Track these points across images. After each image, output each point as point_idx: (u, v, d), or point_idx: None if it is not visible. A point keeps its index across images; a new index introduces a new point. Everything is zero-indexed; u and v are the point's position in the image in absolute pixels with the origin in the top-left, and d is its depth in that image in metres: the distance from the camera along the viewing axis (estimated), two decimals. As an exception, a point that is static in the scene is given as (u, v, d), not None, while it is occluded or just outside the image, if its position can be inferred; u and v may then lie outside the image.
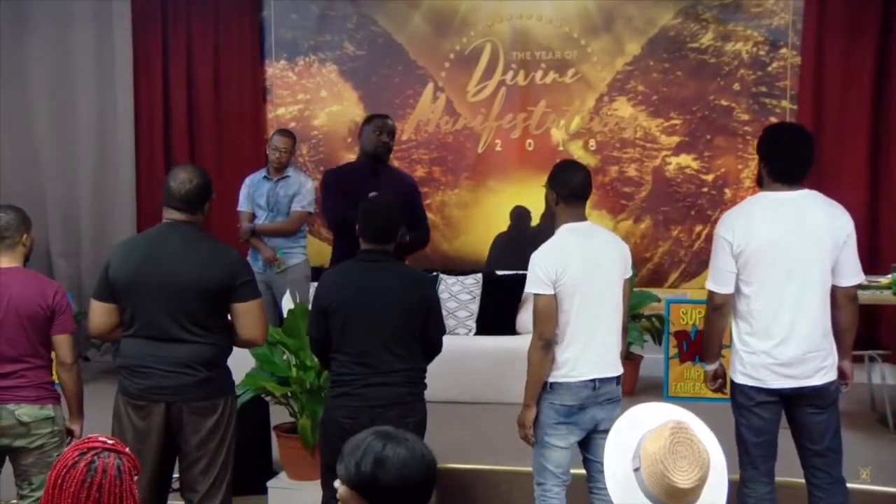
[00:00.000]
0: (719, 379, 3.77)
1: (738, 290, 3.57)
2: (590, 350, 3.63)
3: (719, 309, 3.62)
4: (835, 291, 3.55)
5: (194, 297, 3.43)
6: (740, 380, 3.59)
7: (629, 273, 3.79)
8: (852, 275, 3.57)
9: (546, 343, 3.61)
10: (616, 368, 3.71)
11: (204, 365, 3.47)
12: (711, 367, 3.76)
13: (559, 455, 3.67)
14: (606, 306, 3.68)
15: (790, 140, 3.62)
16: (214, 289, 3.45)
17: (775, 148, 3.59)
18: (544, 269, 3.60)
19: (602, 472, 3.63)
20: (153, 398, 3.46)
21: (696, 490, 2.18)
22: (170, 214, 3.52)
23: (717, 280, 3.60)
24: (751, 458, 3.62)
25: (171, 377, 3.44)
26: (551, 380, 3.65)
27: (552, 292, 3.59)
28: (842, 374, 3.63)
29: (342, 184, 5.19)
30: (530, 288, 3.66)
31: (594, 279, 3.62)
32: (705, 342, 3.81)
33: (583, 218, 3.73)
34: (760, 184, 3.67)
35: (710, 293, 3.64)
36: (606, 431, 3.63)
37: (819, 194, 3.60)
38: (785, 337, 3.50)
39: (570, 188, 3.69)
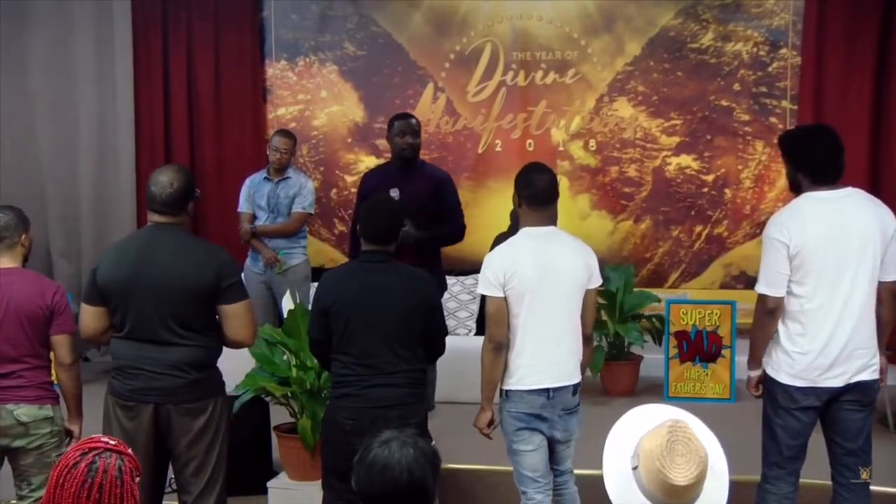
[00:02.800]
0: (762, 384, 3.71)
1: (788, 290, 3.53)
2: (541, 357, 3.61)
3: (773, 313, 3.56)
4: (878, 287, 3.55)
5: (188, 300, 3.44)
6: (787, 381, 3.56)
7: (595, 283, 3.74)
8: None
9: (497, 345, 3.61)
10: (572, 377, 3.68)
11: (194, 367, 3.48)
12: (756, 373, 3.70)
13: (531, 458, 3.67)
14: (561, 313, 3.64)
15: (821, 143, 3.59)
16: (206, 290, 3.46)
17: (808, 153, 3.57)
18: (493, 271, 3.60)
19: (563, 474, 3.70)
20: (142, 399, 3.47)
21: (693, 487, 2.19)
22: (154, 218, 3.53)
23: (771, 283, 3.54)
24: (782, 457, 3.62)
25: (161, 379, 3.45)
26: (506, 387, 3.67)
27: (501, 295, 3.58)
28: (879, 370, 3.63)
29: (372, 186, 5.20)
30: (480, 289, 3.67)
31: (548, 285, 3.59)
32: (752, 347, 3.70)
33: (548, 222, 3.69)
34: (794, 189, 3.63)
35: (763, 297, 3.57)
36: (562, 442, 3.69)
37: (861, 191, 3.61)
38: (835, 335, 3.49)
39: (533, 191, 3.66)
